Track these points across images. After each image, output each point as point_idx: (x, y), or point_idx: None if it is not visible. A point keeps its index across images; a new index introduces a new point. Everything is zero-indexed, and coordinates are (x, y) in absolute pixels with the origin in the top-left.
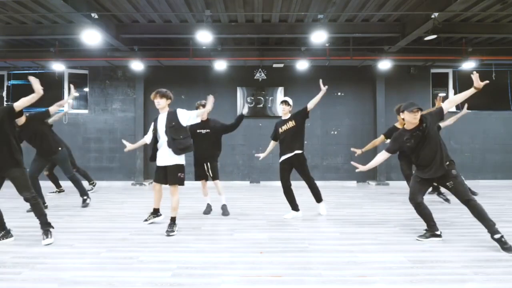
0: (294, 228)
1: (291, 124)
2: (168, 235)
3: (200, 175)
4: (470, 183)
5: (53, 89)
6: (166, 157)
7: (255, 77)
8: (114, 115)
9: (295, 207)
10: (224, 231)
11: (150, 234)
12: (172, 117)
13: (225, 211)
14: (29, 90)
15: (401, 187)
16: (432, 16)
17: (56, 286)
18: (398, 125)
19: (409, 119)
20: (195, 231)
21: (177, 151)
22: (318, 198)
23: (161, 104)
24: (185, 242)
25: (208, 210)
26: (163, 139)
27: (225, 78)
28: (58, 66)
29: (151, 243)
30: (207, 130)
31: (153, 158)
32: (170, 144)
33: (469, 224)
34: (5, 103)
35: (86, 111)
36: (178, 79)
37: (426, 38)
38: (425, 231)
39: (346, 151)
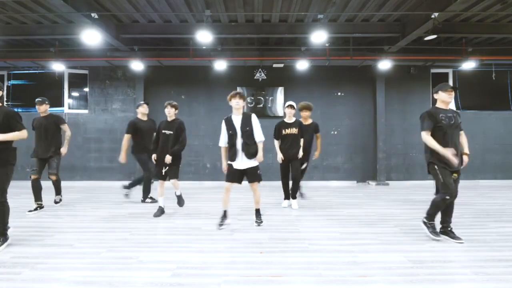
0: (294, 228)
1: (294, 130)
2: (259, 225)
3: (161, 174)
4: (470, 183)
5: (53, 89)
6: (242, 161)
7: (255, 77)
8: (114, 115)
9: (288, 196)
10: (224, 231)
11: (150, 234)
12: (247, 121)
13: (180, 201)
14: (29, 90)
15: (401, 187)
16: (432, 16)
17: (56, 286)
18: (301, 120)
19: (445, 99)
20: (195, 231)
21: (249, 156)
22: (294, 194)
23: (240, 104)
24: (185, 242)
25: (159, 212)
26: (237, 141)
27: (225, 78)
28: (58, 66)
29: (151, 243)
30: (171, 132)
31: (234, 158)
32: (243, 147)
33: (469, 224)
34: (5, 103)
35: (86, 111)
36: (178, 79)
37: (426, 38)
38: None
39: (346, 151)
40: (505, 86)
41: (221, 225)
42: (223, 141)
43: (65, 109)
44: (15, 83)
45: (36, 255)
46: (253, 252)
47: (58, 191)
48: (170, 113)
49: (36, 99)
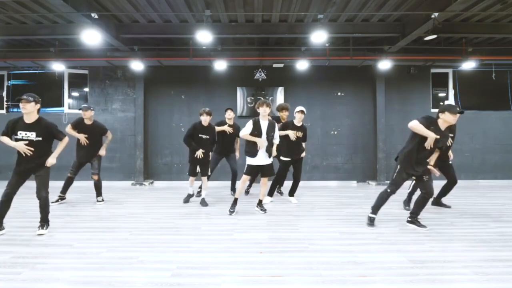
0: (294, 228)
1: (300, 134)
2: (265, 212)
3: (194, 172)
4: (470, 183)
5: (53, 89)
6: (263, 158)
7: (255, 77)
8: (114, 115)
9: (272, 193)
10: (224, 231)
11: (150, 234)
12: (272, 128)
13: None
14: (29, 90)
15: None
16: (432, 16)
17: (56, 286)
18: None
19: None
20: (195, 231)
21: (270, 156)
22: (293, 192)
23: (267, 111)
24: (185, 242)
25: (188, 198)
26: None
27: (225, 78)
28: (58, 66)
29: (151, 243)
30: (207, 136)
31: (255, 155)
32: (268, 149)
33: (469, 224)
34: (5, 103)
35: None
36: (178, 79)
37: (426, 38)
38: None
39: (346, 151)
40: (505, 86)
41: (231, 211)
42: (245, 132)
43: (65, 109)
44: (15, 83)
45: (36, 255)
46: (253, 252)
47: (99, 192)
48: (206, 120)
49: (82, 105)
